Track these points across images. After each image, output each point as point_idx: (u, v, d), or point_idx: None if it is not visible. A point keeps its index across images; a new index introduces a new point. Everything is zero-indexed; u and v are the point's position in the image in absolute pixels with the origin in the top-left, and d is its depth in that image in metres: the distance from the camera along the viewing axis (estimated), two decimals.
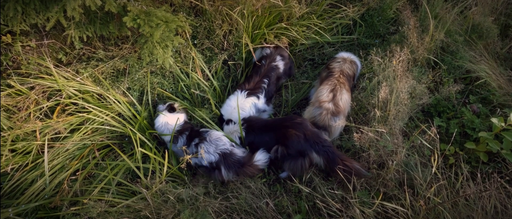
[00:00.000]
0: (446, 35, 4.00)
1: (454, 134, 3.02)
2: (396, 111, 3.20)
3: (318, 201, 2.80)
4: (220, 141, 3.18)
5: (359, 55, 3.94)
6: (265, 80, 3.75)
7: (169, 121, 3.43)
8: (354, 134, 2.98)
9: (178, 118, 3.43)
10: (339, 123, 3.24)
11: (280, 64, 3.92)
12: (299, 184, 3.00)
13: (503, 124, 2.95)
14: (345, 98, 3.40)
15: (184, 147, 2.95)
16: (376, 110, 3.15)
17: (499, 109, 3.36)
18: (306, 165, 3.03)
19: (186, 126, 3.43)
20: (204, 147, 3.12)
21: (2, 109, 3.25)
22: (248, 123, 3.37)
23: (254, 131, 3.30)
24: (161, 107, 3.62)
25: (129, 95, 3.68)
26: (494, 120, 2.98)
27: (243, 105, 3.58)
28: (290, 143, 3.01)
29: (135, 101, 3.66)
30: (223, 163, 3.10)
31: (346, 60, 3.76)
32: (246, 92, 3.65)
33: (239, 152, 3.18)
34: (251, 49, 3.83)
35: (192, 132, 3.35)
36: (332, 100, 3.34)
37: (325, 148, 2.98)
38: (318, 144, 2.97)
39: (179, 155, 3.33)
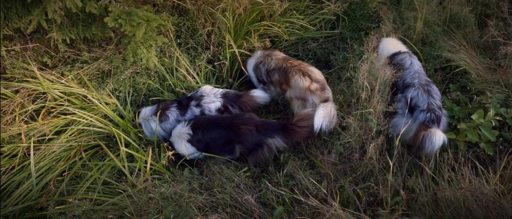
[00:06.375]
0: (425, 26, 4.07)
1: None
2: (380, 96, 3.26)
3: (297, 194, 2.83)
4: (215, 89, 3.60)
5: (343, 49, 3.99)
6: None
7: None
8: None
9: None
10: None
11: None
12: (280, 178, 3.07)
13: (482, 120, 3.03)
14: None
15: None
16: (360, 91, 3.22)
17: (475, 97, 3.43)
18: (266, 153, 3.19)
19: (166, 103, 3.57)
20: (206, 99, 3.47)
21: None
22: (194, 121, 3.35)
23: (201, 129, 3.30)
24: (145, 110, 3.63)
25: (113, 96, 3.70)
26: (474, 117, 3.06)
27: None
28: (244, 139, 3.16)
29: (117, 103, 3.68)
30: (228, 101, 3.52)
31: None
32: None
33: (231, 91, 3.69)
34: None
35: (182, 101, 3.56)
36: (311, 84, 3.42)
37: (275, 127, 3.15)
38: (269, 129, 3.14)
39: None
